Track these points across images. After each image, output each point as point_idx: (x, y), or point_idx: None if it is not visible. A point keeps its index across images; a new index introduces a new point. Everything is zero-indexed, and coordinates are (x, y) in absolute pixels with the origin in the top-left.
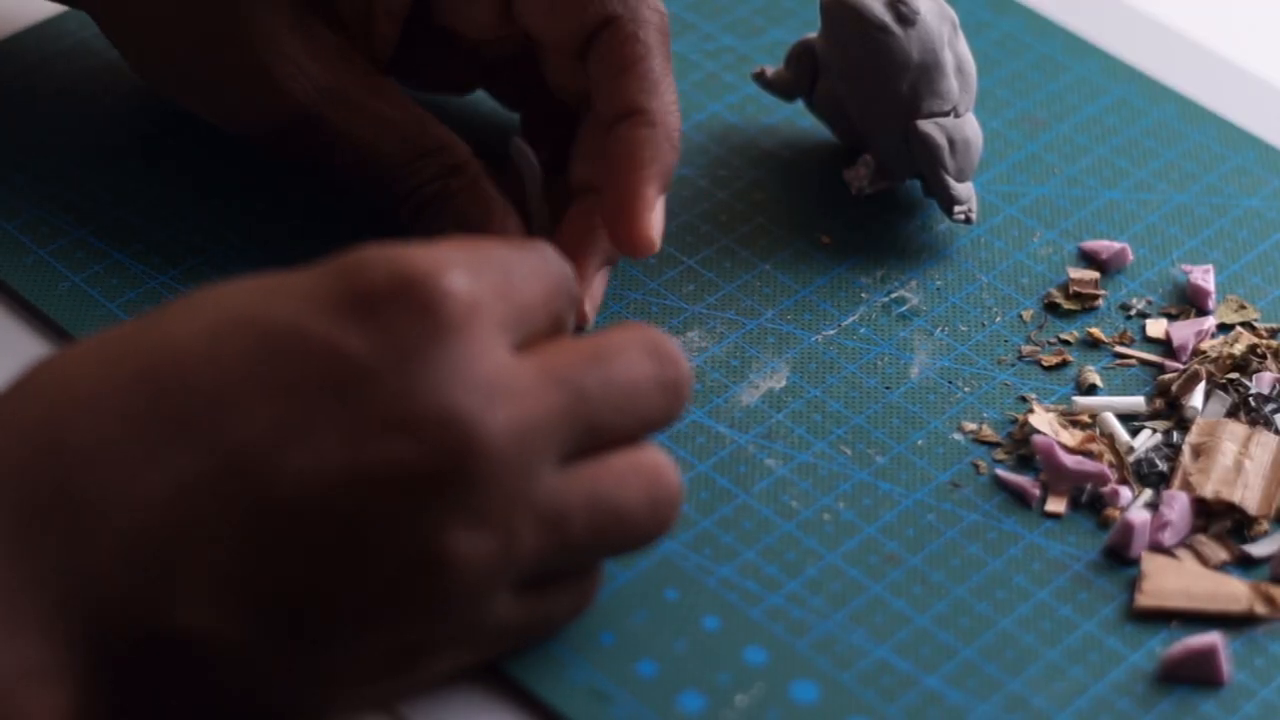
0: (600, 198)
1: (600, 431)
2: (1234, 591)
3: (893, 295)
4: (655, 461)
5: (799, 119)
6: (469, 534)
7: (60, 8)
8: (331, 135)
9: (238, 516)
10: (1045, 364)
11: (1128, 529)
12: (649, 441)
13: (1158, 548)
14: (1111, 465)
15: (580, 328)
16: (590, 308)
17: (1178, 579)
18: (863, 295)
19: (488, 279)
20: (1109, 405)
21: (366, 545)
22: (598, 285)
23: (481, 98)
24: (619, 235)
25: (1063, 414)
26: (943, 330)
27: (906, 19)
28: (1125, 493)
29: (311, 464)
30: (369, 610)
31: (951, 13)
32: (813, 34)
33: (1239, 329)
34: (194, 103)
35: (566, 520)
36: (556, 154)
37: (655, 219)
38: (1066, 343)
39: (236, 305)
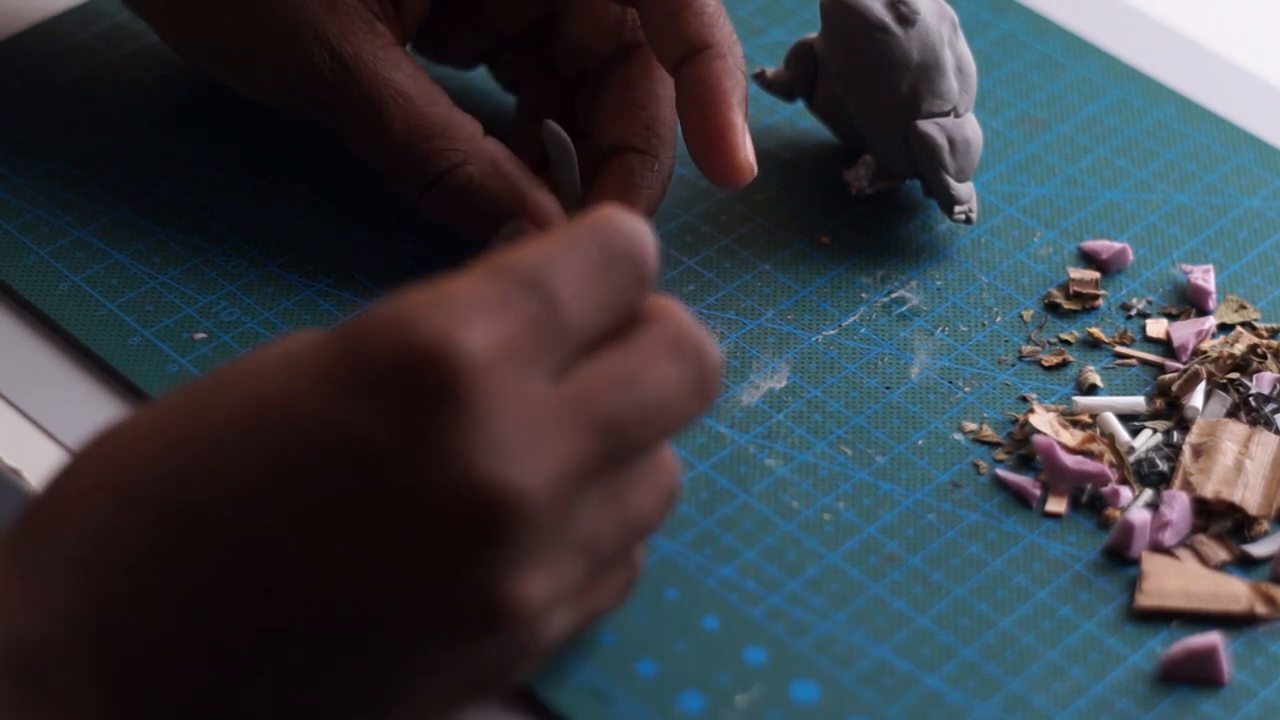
0: (686, 135)
1: (628, 451)
2: (1234, 591)
3: (893, 295)
4: (668, 465)
5: (799, 119)
6: (518, 582)
7: (60, 7)
8: (343, 107)
9: (268, 628)
10: (1045, 364)
11: (1128, 529)
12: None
13: (1158, 548)
14: (1112, 465)
15: None
16: None
17: (1178, 579)
18: (863, 295)
19: (515, 314)
20: (1109, 405)
21: (419, 612)
22: None
23: (476, 86)
24: (716, 168)
25: (1063, 414)
26: (943, 330)
27: (906, 19)
28: (1125, 493)
29: (340, 558)
30: (429, 668)
31: (951, 13)
32: (813, 34)
33: (1239, 329)
34: (221, 67)
35: (599, 540)
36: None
37: (750, 146)
38: (1067, 343)
39: (241, 398)
